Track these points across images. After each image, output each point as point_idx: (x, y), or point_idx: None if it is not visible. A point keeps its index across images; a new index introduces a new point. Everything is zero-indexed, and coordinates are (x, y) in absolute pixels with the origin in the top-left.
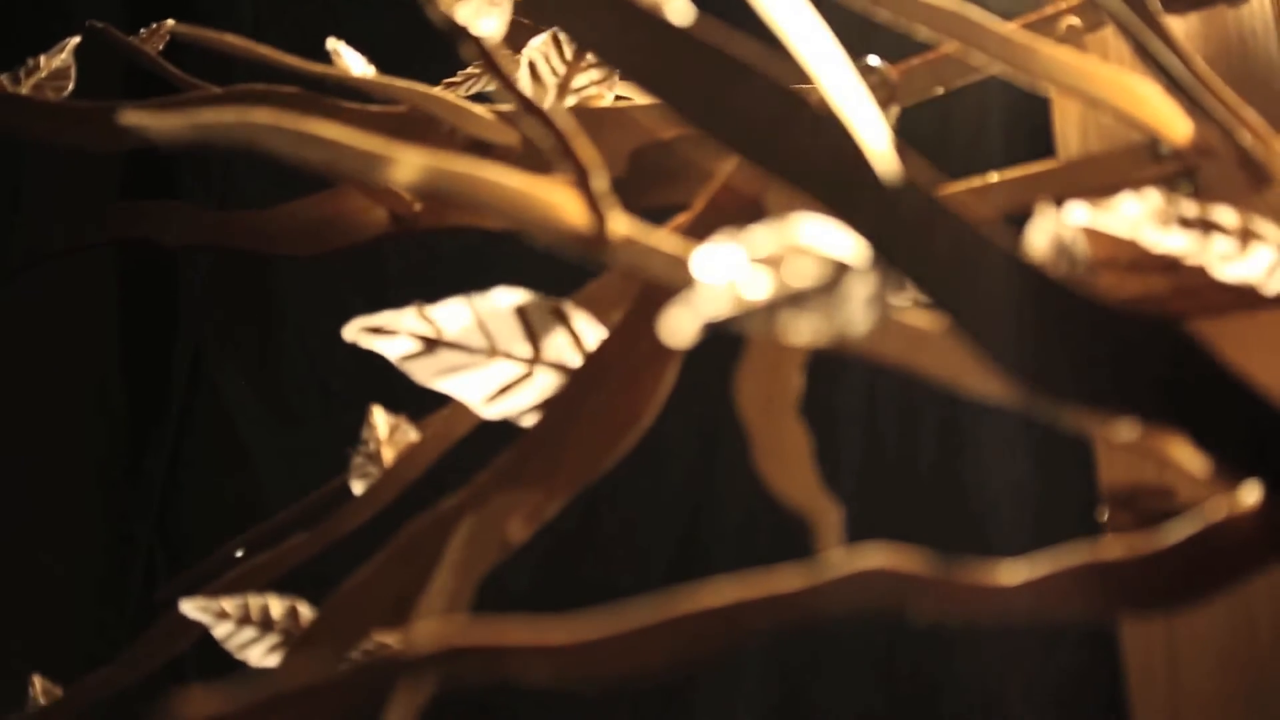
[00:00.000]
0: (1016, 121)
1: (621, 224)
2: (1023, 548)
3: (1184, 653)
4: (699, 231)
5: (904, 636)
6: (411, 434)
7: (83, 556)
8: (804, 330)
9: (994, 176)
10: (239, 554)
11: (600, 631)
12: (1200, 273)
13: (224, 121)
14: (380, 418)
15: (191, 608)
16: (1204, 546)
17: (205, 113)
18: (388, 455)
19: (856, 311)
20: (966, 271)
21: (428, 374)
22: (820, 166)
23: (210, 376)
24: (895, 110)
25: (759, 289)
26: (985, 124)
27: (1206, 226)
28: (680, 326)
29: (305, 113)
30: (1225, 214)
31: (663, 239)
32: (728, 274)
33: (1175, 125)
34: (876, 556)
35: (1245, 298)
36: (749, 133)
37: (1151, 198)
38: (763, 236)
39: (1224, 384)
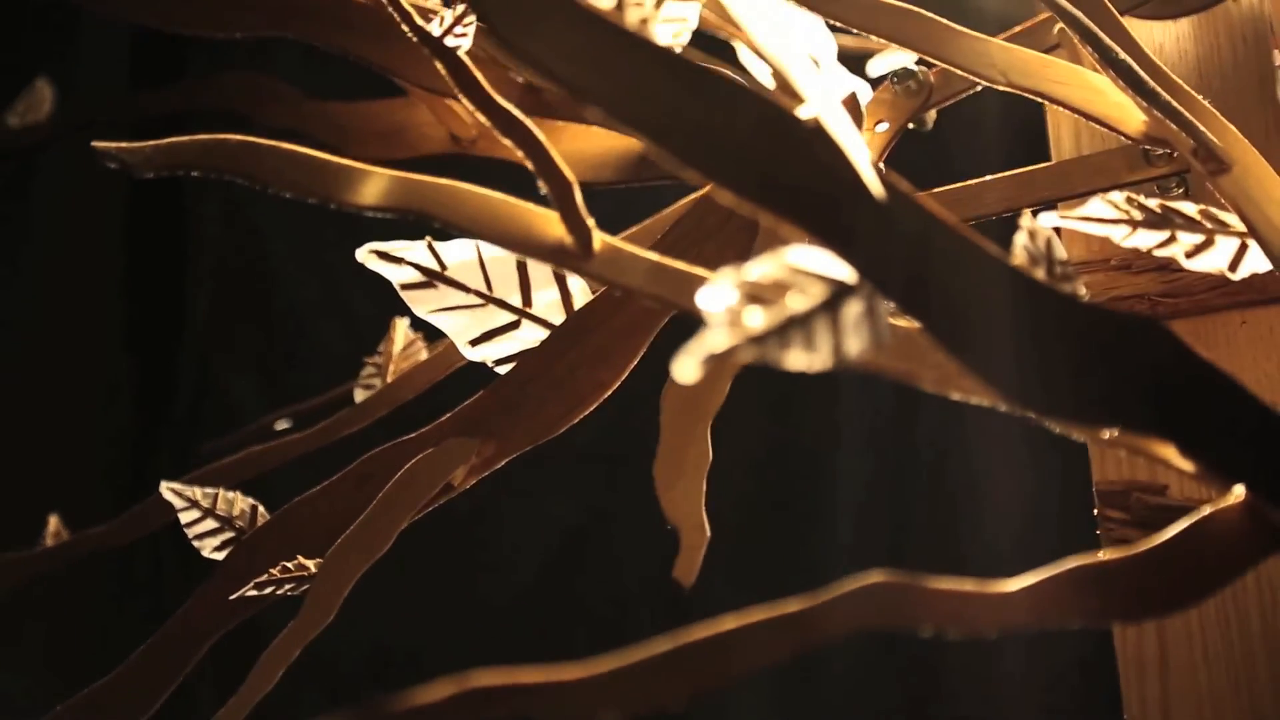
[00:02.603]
0: (1011, 123)
1: (601, 238)
2: (1016, 544)
3: (1175, 647)
4: (681, 236)
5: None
6: (422, 354)
7: (91, 558)
8: (804, 357)
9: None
10: (285, 425)
11: (613, 666)
12: (1190, 272)
13: (198, 145)
14: (401, 331)
15: (168, 491)
16: (1192, 546)
17: (178, 139)
18: (393, 370)
19: (855, 334)
20: (962, 288)
21: (425, 306)
22: (812, 188)
23: (217, 380)
24: (933, 113)
25: (759, 319)
26: (981, 126)
27: (1172, 221)
28: (689, 365)
29: (372, 32)
30: (1189, 207)
31: (640, 252)
32: (728, 306)
33: (1130, 118)
34: (875, 574)
35: (1235, 297)
36: (738, 158)
37: (1116, 196)
38: (759, 266)
39: (1207, 387)
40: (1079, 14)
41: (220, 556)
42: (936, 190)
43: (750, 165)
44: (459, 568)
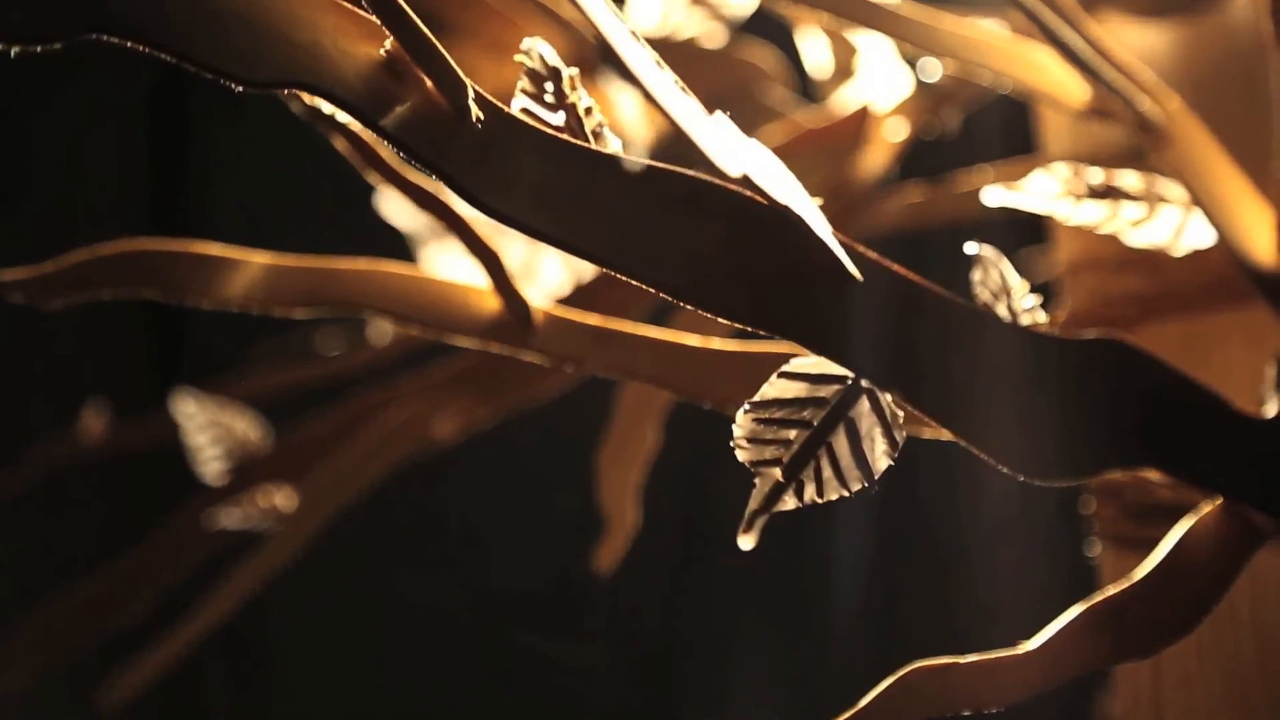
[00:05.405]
0: (1005, 125)
1: (539, 310)
2: (1014, 543)
3: None
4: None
5: (900, 620)
6: None
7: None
8: (838, 485)
9: (989, 176)
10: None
11: None
12: (1183, 272)
13: (102, 263)
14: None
15: (181, 402)
16: (1184, 560)
17: (78, 260)
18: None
19: (872, 442)
20: (947, 352)
21: (438, 256)
22: (795, 288)
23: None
24: (957, 118)
25: (789, 470)
26: (975, 128)
27: (1115, 194)
28: (748, 539)
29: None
30: (1132, 180)
31: (583, 318)
32: (756, 451)
33: (1072, 92)
34: (909, 668)
35: (1227, 297)
36: (724, 275)
37: (1060, 168)
38: (768, 389)
39: (1180, 401)
40: None
41: (215, 481)
42: (939, 192)
43: (733, 277)
44: (459, 567)
